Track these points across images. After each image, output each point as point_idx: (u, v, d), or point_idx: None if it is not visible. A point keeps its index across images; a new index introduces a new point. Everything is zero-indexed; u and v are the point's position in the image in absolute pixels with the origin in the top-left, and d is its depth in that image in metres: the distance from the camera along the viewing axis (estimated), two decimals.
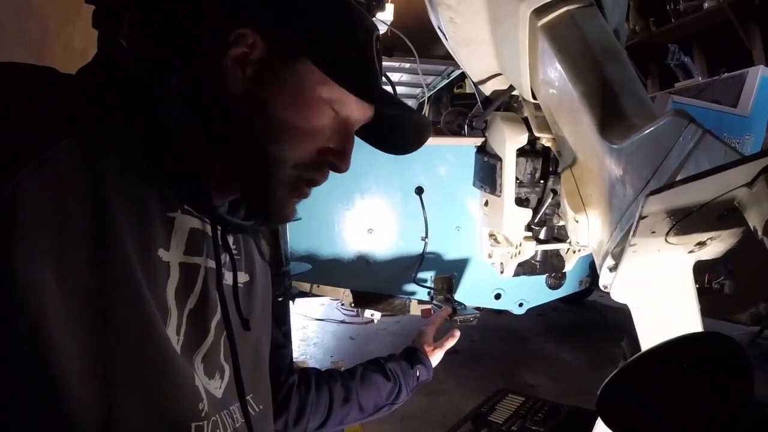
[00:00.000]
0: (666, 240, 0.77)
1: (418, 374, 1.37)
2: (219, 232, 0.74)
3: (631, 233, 0.73)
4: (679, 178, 0.86)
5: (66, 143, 0.54)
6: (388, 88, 2.47)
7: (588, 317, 4.39)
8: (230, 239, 0.81)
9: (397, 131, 0.87)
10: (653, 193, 0.64)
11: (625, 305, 0.97)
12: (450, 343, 1.48)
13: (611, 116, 1.09)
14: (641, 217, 0.69)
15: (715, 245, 0.83)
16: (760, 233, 0.65)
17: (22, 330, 0.50)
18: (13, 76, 0.59)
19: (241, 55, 0.70)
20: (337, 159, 0.78)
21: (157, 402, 0.63)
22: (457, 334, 1.50)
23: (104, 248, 0.57)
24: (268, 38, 0.70)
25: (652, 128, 0.92)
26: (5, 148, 0.51)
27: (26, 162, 0.51)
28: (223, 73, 0.70)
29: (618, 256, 1.00)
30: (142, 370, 0.61)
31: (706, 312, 0.90)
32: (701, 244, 0.81)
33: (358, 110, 0.78)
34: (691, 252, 0.84)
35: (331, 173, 0.80)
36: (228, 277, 0.80)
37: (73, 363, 0.54)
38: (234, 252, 0.82)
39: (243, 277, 0.89)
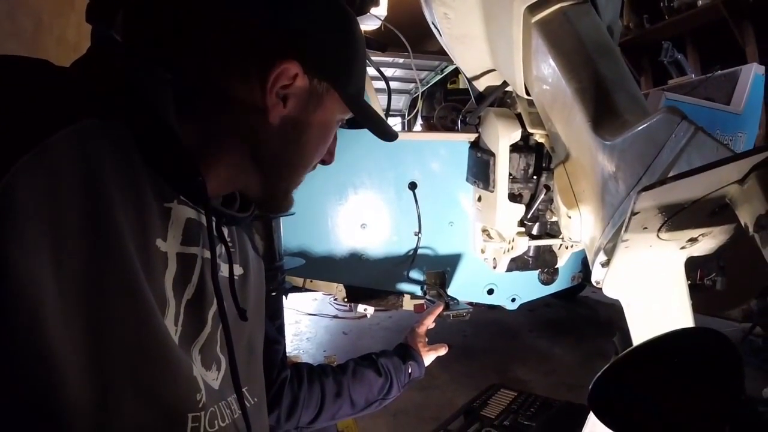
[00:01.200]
0: (658, 236, 0.77)
1: (410, 371, 1.37)
2: (214, 223, 0.74)
3: (623, 229, 0.73)
4: (671, 174, 0.86)
5: (61, 135, 0.54)
6: (380, 85, 2.48)
7: (580, 313, 4.41)
8: (225, 231, 0.81)
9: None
10: (645, 189, 0.64)
11: (617, 301, 0.97)
12: (442, 351, 1.50)
13: (604, 113, 1.09)
14: (633, 213, 0.69)
15: (707, 241, 0.83)
16: (751, 230, 0.66)
17: (19, 322, 0.50)
18: (7, 69, 0.59)
19: (282, 88, 0.72)
20: (329, 157, 0.89)
21: (153, 392, 0.62)
22: (446, 349, 1.53)
23: (101, 239, 0.56)
24: (308, 72, 0.74)
25: (644, 125, 0.92)
26: (1, 141, 0.51)
27: (21, 155, 0.50)
28: (265, 104, 0.72)
29: (610, 252, 1.00)
30: (139, 361, 0.61)
31: (697, 308, 0.91)
32: (693, 240, 0.82)
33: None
34: (682, 248, 0.84)
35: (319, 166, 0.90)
36: (224, 269, 0.81)
37: (69, 354, 0.54)
38: (229, 244, 0.82)
39: (237, 270, 0.89)
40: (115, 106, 0.63)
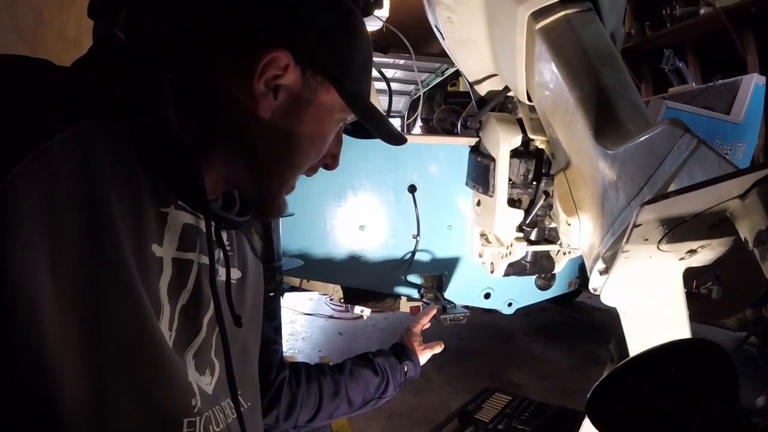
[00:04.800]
0: (658, 247, 0.78)
1: (405, 370, 1.39)
2: (213, 228, 0.74)
3: (625, 240, 0.74)
4: (672, 187, 0.86)
5: (59, 138, 0.54)
6: (382, 86, 2.48)
7: (575, 318, 4.42)
8: (224, 235, 0.81)
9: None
10: (648, 202, 0.65)
11: (613, 307, 0.97)
12: (437, 349, 1.51)
13: (606, 122, 1.09)
14: (635, 226, 0.70)
15: (706, 253, 0.84)
16: (751, 244, 0.66)
17: (15, 324, 0.50)
18: (7, 69, 0.59)
19: (272, 78, 0.70)
20: (332, 161, 0.87)
21: (149, 397, 0.63)
22: (441, 346, 1.54)
23: (98, 243, 0.57)
24: (300, 63, 0.71)
25: (647, 136, 0.93)
26: (0, 143, 0.51)
27: (21, 158, 0.50)
28: (254, 95, 0.70)
29: (609, 260, 1.01)
30: (135, 365, 0.61)
31: (693, 316, 0.91)
32: (692, 251, 0.82)
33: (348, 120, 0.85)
34: (681, 259, 0.85)
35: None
36: (222, 273, 0.81)
37: (65, 357, 0.54)
38: (227, 248, 0.82)
39: (235, 274, 0.89)
40: (115, 107, 0.63)
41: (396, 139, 0.87)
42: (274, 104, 0.72)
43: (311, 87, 0.74)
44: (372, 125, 0.81)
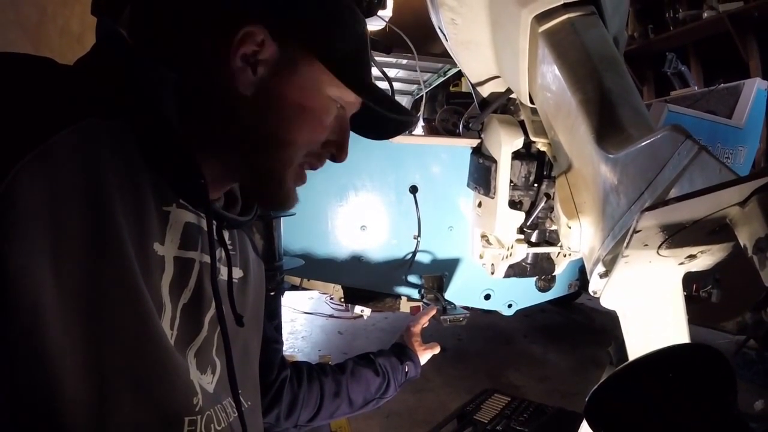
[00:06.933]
0: (658, 252, 0.78)
1: (407, 370, 1.39)
2: (215, 227, 0.75)
3: (625, 246, 0.74)
4: (672, 192, 0.87)
5: (62, 136, 0.54)
6: (384, 85, 2.48)
7: (575, 319, 4.41)
8: (225, 234, 0.81)
9: (377, 123, 0.88)
10: (648, 209, 0.65)
11: (613, 310, 0.98)
12: (436, 350, 1.52)
13: (608, 126, 1.09)
14: (635, 231, 0.70)
15: (705, 258, 0.84)
16: (750, 251, 0.67)
17: (19, 323, 0.51)
18: (10, 67, 0.59)
19: (250, 54, 0.69)
20: (337, 150, 0.82)
21: (150, 395, 0.63)
22: (439, 348, 1.54)
23: (101, 241, 0.57)
24: (277, 37, 0.70)
25: (648, 141, 0.93)
26: (2, 141, 0.51)
27: (23, 155, 0.51)
28: (233, 72, 0.69)
29: (609, 264, 1.01)
30: (136, 364, 0.61)
31: (693, 319, 0.91)
32: (692, 256, 0.83)
33: (353, 105, 0.82)
34: (681, 264, 0.85)
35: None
36: (224, 272, 0.81)
37: (66, 355, 0.54)
38: (229, 247, 0.82)
39: (237, 273, 0.89)
40: (118, 105, 0.63)
41: (399, 112, 0.84)
42: (254, 79, 0.71)
43: (291, 58, 0.72)
44: (367, 95, 0.79)
